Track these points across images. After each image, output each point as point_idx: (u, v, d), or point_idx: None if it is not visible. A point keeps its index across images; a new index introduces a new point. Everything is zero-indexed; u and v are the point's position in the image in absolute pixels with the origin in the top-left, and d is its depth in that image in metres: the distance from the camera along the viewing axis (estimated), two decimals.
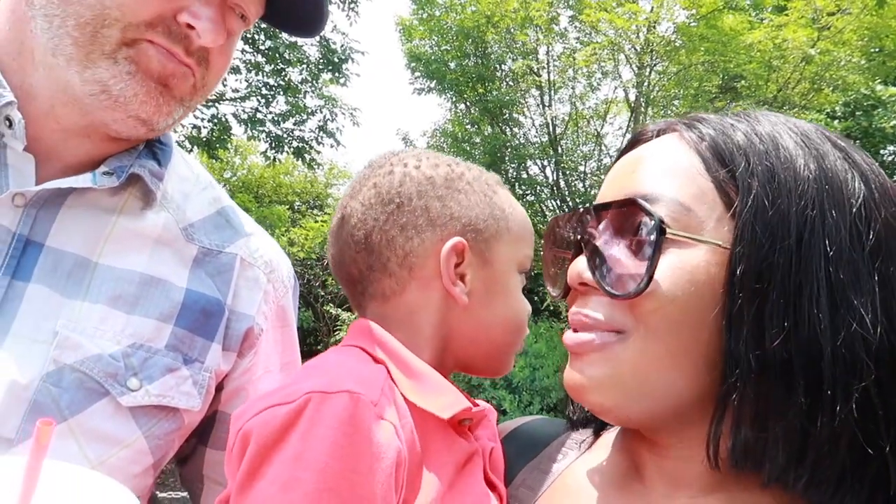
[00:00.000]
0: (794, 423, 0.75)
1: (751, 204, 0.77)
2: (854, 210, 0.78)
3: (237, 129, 14.80)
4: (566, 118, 15.72)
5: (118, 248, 1.10)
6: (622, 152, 0.98)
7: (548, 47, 14.80)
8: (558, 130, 15.49)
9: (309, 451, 0.75)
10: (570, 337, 0.88)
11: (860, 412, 0.73)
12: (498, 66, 15.22)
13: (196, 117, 14.33)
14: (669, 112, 14.15)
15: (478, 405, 1.07)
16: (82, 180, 1.04)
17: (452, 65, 15.05)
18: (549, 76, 15.02)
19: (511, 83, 15.41)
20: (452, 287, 1.02)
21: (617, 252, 0.84)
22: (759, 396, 0.76)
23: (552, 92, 15.33)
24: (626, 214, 0.83)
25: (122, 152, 1.12)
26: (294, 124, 14.83)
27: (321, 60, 14.09)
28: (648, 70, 13.60)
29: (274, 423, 0.79)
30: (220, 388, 1.22)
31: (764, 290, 0.75)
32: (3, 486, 0.66)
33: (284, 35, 14.00)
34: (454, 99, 15.83)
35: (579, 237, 0.90)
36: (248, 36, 14.07)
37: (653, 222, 0.78)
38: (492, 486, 0.98)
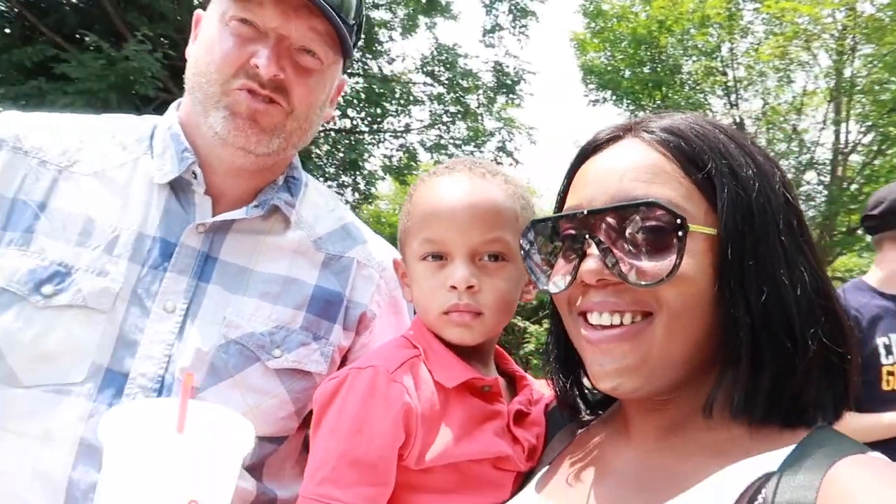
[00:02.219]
0: (780, 369, 0.90)
1: (727, 199, 0.93)
2: (779, 189, 0.96)
3: (423, 156, 15.90)
4: (758, 116, 14.65)
5: (267, 258, 1.45)
6: (580, 158, 1.08)
7: (731, 44, 13.99)
8: (749, 130, 14.47)
9: (345, 407, 1.11)
10: (596, 334, 0.98)
11: (822, 346, 0.90)
12: (675, 69, 14.70)
13: (387, 148, 15.74)
14: (881, 100, 12.57)
15: (516, 375, 1.34)
16: (239, 213, 1.42)
17: (627, 73, 14.83)
18: (734, 74, 14.16)
19: (692, 85, 14.77)
20: (403, 291, 1.38)
21: (637, 248, 0.94)
22: (755, 353, 0.91)
23: (739, 90, 14.41)
24: (645, 215, 0.93)
25: (267, 188, 1.53)
26: (475, 147, 15.57)
27: (496, 84, 14.70)
28: (849, 56, 12.24)
29: (328, 390, 1.15)
30: (344, 360, 1.57)
31: (744, 264, 0.91)
32: (166, 416, 1.03)
33: (460, 64, 14.85)
34: (632, 107, 15.53)
35: (586, 237, 0.97)
36: (429, 70, 15.14)
37: (678, 220, 0.91)
38: (515, 439, 1.20)
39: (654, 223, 0.93)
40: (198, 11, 1.48)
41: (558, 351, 1.19)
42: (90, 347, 1.28)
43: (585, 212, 0.99)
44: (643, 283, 0.93)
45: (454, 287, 1.19)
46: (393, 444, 1.09)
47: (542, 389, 1.38)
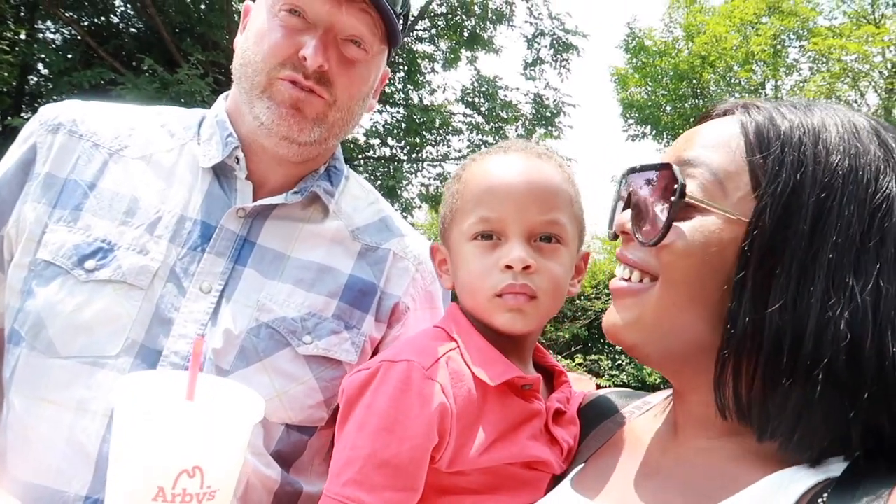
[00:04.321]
0: (780, 385, 0.83)
1: (773, 188, 0.86)
2: (874, 205, 0.83)
3: None
4: None
5: (304, 246, 1.45)
6: (695, 123, 1.05)
7: (776, 81, 13.85)
8: None
9: (375, 402, 1.05)
10: (613, 283, 1.03)
11: (832, 382, 0.80)
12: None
13: (424, 176, 15.89)
14: None
15: (555, 371, 1.28)
16: (279, 199, 1.44)
17: (668, 108, 14.78)
18: None
19: None
20: (440, 280, 1.32)
21: (649, 207, 0.96)
22: (752, 356, 0.85)
23: None
24: (662, 176, 0.95)
25: (308, 176, 1.49)
26: None
27: (535, 116, 14.79)
28: None
29: (357, 382, 1.09)
30: (375, 352, 1.54)
31: (772, 264, 0.84)
32: (177, 384, 1.02)
33: (501, 95, 15.00)
34: (672, 142, 15.43)
35: (627, 192, 1.02)
36: (469, 100, 15.33)
37: (676, 186, 0.90)
38: (553, 439, 1.15)
39: (667, 186, 0.94)
40: (247, 3, 1.52)
41: None
42: (126, 322, 1.30)
43: (637, 167, 1.03)
44: (643, 241, 0.95)
45: (509, 267, 1.12)
46: (425, 447, 1.03)
47: (577, 386, 1.34)
